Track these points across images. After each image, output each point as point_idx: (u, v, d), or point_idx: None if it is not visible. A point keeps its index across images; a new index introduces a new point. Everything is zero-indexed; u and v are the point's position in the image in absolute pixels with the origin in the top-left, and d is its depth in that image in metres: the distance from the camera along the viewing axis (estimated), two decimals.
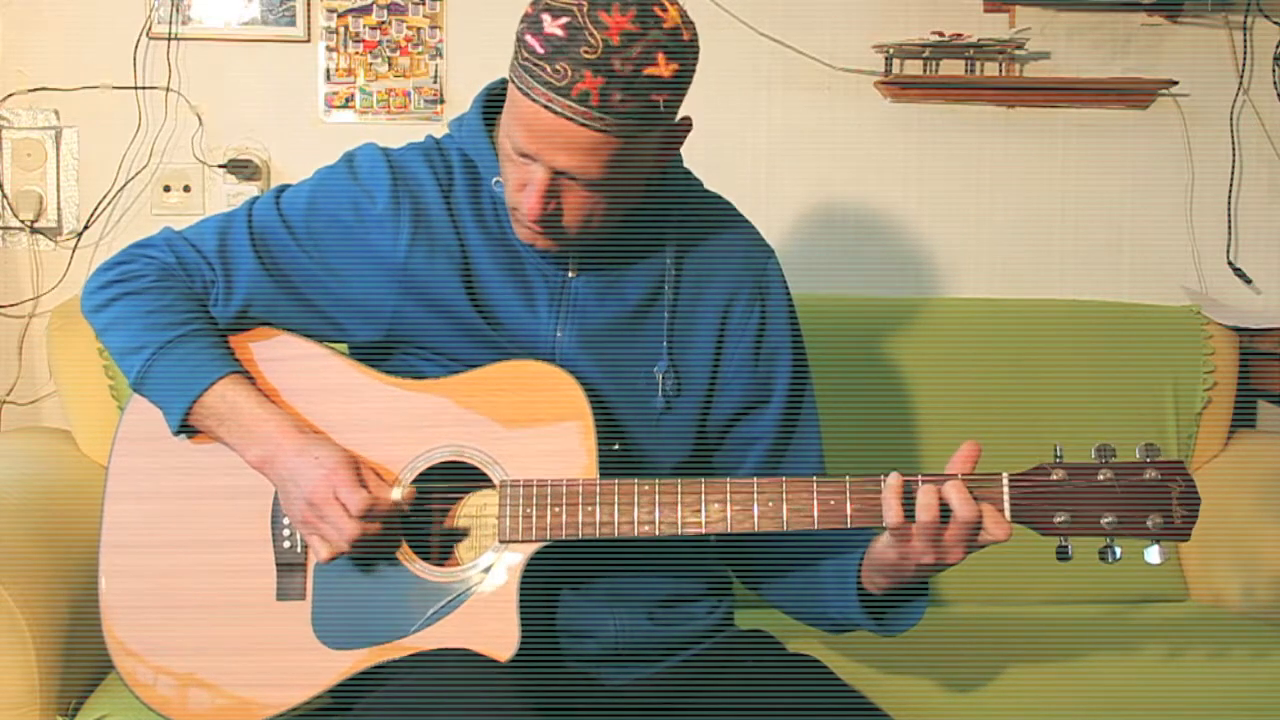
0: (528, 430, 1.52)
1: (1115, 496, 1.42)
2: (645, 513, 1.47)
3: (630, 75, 1.37)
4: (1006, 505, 1.43)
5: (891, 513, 1.42)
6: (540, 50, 1.38)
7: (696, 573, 1.66)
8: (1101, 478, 1.42)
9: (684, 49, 1.41)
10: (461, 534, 1.56)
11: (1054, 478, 1.43)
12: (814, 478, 1.47)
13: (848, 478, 1.46)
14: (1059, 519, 1.42)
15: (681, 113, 1.50)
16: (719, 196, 1.70)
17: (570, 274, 1.58)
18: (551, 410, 1.52)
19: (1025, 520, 1.43)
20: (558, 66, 1.37)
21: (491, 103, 1.59)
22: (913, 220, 2.66)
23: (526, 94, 1.40)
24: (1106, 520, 1.42)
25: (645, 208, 1.59)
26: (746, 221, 1.70)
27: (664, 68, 1.39)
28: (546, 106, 1.39)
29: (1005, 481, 1.43)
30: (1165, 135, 2.70)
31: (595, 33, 1.36)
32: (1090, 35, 2.67)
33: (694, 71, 1.44)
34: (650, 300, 1.60)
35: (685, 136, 1.53)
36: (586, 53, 1.36)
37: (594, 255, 1.58)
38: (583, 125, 1.39)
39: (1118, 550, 1.42)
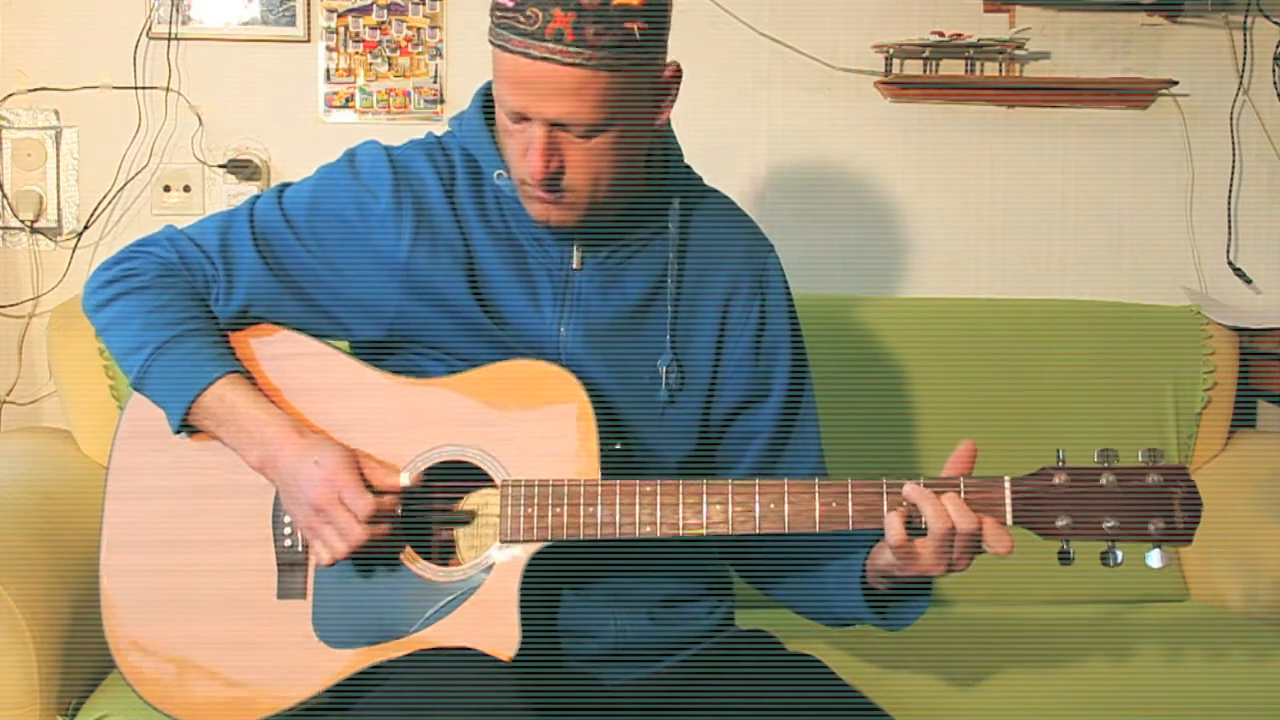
0: (530, 430, 1.52)
1: (1117, 500, 1.42)
2: (646, 513, 1.47)
3: (599, 8, 1.39)
4: (1008, 509, 1.43)
5: (894, 532, 1.43)
6: (510, 4, 1.41)
7: (697, 573, 1.66)
8: (1103, 482, 1.42)
9: None
10: (463, 533, 1.56)
11: (1056, 481, 1.43)
12: (815, 479, 1.47)
13: (850, 480, 1.46)
14: (1061, 523, 1.42)
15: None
16: (720, 192, 1.70)
17: (575, 265, 1.58)
18: (553, 410, 1.52)
19: (1027, 524, 1.43)
20: (528, 12, 1.39)
21: (491, 99, 1.58)
22: (912, 220, 2.66)
23: (505, 48, 1.42)
24: (1108, 524, 1.42)
25: (647, 198, 1.60)
26: (747, 217, 1.70)
27: None
28: (525, 54, 1.41)
29: (1007, 485, 1.43)
30: (1165, 135, 2.70)
31: None
32: (1090, 35, 2.67)
33: (667, 2, 1.45)
34: (653, 294, 1.60)
35: (676, 88, 1.53)
36: None
37: (598, 237, 1.58)
38: (564, 64, 1.40)
39: (1119, 554, 1.42)
